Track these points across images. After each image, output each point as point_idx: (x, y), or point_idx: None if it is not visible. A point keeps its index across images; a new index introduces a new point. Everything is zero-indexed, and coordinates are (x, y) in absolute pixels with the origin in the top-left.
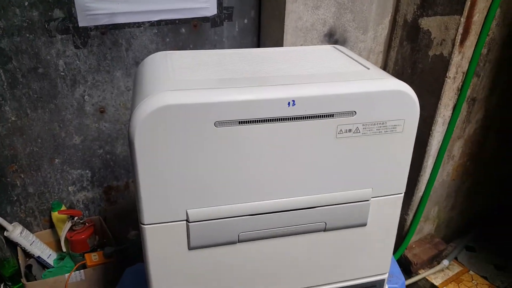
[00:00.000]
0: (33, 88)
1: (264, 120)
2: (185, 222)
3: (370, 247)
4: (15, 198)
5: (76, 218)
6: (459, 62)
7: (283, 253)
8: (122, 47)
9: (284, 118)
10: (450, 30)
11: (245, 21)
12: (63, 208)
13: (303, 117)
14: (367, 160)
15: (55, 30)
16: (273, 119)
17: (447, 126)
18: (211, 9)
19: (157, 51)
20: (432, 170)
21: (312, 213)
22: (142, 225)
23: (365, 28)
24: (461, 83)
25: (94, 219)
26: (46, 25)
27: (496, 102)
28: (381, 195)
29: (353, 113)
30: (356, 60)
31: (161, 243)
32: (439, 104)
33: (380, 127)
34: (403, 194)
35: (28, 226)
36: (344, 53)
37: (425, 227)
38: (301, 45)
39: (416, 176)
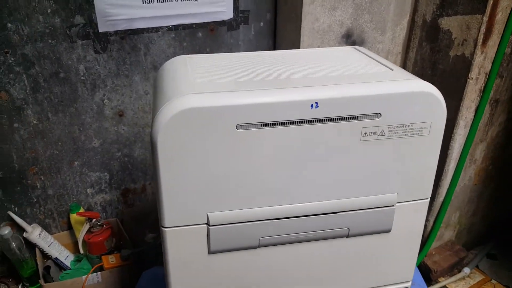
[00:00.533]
0: (55, 92)
1: (286, 122)
2: (205, 225)
3: (394, 254)
4: (35, 200)
5: (94, 220)
6: (482, 63)
7: (304, 259)
8: (141, 51)
9: (307, 121)
10: (472, 29)
11: (261, 24)
12: (81, 210)
13: (326, 119)
14: (392, 164)
15: (76, 35)
16: (295, 122)
17: (469, 128)
18: (227, 13)
19: (174, 55)
20: (453, 174)
21: (335, 218)
22: (163, 228)
23: (383, 29)
24: (483, 84)
25: (111, 221)
26: (67, 31)
27: None
28: (407, 200)
29: (378, 115)
30: (378, 61)
31: (181, 246)
32: (461, 106)
33: (406, 129)
34: (428, 200)
35: (46, 227)
36: (365, 54)
37: (446, 233)
38: (318, 46)
39: (437, 181)
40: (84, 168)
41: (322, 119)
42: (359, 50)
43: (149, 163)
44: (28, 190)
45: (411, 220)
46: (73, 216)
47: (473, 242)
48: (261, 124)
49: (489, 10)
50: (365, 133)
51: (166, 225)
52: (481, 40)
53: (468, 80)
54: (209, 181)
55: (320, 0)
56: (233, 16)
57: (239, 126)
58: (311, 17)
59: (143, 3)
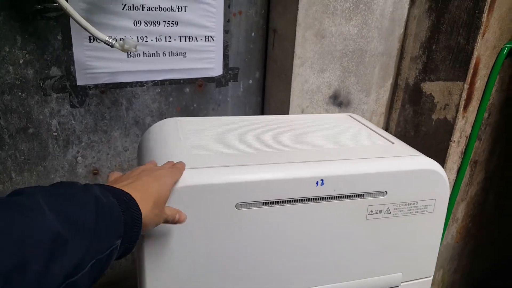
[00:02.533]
0: (21, 150)
1: (290, 200)
2: None
3: None
4: None
5: None
6: (463, 127)
7: None
8: (122, 106)
9: (311, 199)
10: (454, 95)
11: (250, 81)
12: None
13: (332, 197)
14: (397, 243)
15: (50, 88)
16: (300, 200)
17: (452, 189)
18: (217, 70)
19: (159, 111)
20: None
21: None
22: None
23: (368, 91)
24: (464, 147)
25: None
26: (41, 84)
27: (495, 164)
28: (411, 279)
29: (384, 193)
30: (376, 132)
31: None
32: (444, 168)
33: (411, 207)
34: (431, 278)
35: None
36: (362, 123)
37: None
38: (307, 106)
39: None
40: None
41: (327, 197)
42: (354, 118)
43: None
44: None
45: None
46: None
47: None
48: (263, 203)
49: (469, 77)
50: (371, 211)
51: None
52: (462, 106)
53: (451, 143)
54: (203, 267)
55: (310, 62)
56: (223, 73)
57: (239, 205)
58: (301, 78)
59: (128, 56)
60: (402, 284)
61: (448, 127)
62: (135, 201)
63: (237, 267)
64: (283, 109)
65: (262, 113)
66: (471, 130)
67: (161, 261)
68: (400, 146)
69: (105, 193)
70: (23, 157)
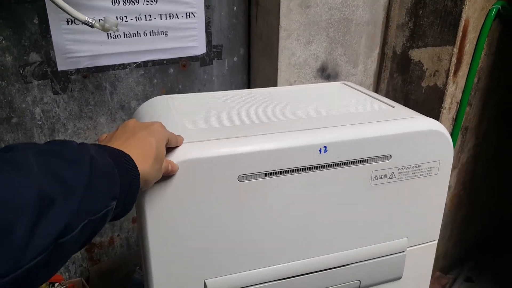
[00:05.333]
0: (6, 140)
1: (293, 170)
2: None
3: None
4: None
5: (56, 284)
6: (453, 92)
7: None
8: (106, 90)
9: (315, 167)
10: (443, 60)
11: (235, 59)
12: None
13: (336, 164)
14: (402, 207)
15: (31, 75)
16: (303, 169)
17: None
18: (200, 48)
19: (144, 94)
20: None
21: (345, 271)
22: None
23: (355, 62)
24: (455, 113)
25: (75, 281)
26: (20, 71)
27: (485, 130)
28: (417, 244)
29: (388, 157)
30: (374, 97)
31: None
32: None
33: (416, 170)
34: (437, 241)
35: None
36: (358, 90)
37: None
38: (295, 81)
39: None
40: None
41: (331, 164)
42: (349, 86)
43: None
44: None
45: (421, 264)
46: None
47: (449, 266)
48: (266, 174)
49: (458, 41)
50: (375, 176)
51: None
52: (452, 71)
53: (442, 110)
54: (207, 241)
55: (296, 34)
56: (206, 51)
57: (241, 177)
58: (287, 51)
59: (108, 38)
60: (408, 249)
61: (438, 94)
62: (133, 161)
63: (241, 239)
64: (271, 85)
65: None
66: (462, 96)
67: (164, 237)
68: (401, 109)
69: (101, 152)
70: None
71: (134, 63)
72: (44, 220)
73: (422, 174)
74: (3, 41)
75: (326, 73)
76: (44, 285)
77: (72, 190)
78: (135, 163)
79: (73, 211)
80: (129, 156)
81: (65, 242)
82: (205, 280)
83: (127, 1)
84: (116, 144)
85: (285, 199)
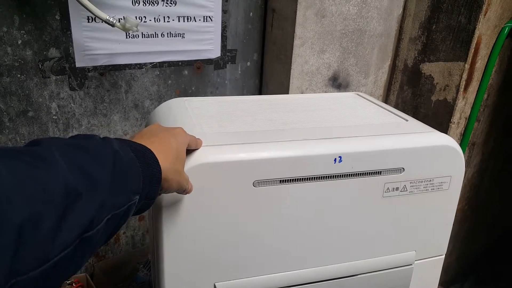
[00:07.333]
0: (21, 133)
1: (308, 178)
2: None
3: None
4: None
5: None
6: (463, 108)
7: None
8: (122, 89)
9: (329, 176)
10: (454, 76)
11: (248, 63)
12: None
13: (349, 174)
14: (412, 221)
15: (49, 70)
16: (318, 177)
17: None
18: (215, 52)
19: (158, 94)
20: None
21: (353, 282)
22: None
23: (367, 72)
24: (463, 128)
25: (80, 277)
26: (40, 65)
27: (492, 146)
28: (424, 257)
29: (401, 169)
30: (388, 110)
31: None
32: None
33: (427, 184)
34: (444, 256)
35: None
36: (371, 101)
37: None
38: (307, 89)
39: None
40: None
41: (345, 174)
42: (363, 97)
43: None
44: None
45: (427, 278)
46: None
47: (451, 281)
48: (280, 180)
49: (470, 57)
50: (388, 188)
51: None
52: (463, 86)
53: (451, 124)
54: (220, 245)
55: (310, 42)
56: (221, 54)
57: (256, 183)
58: (301, 59)
59: (126, 37)
60: (415, 262)
61: (448, 108)
62: (155, 156)
63: (254, 245)
64: (282, 92)
65: None
66: (471, 111)
67: (178, 238)
68: (415, 123)
69: (124, 147)
70: (23, 141)
71: (150, 63)
72: (71, 214)
73: (433, 189)
74: (25, 36)
75: (337, 82)
76: None
77: (98, 184)
78: (156, 158)
79: (99, 205)
80: (150, 150)
81: (91, 236)
82: (215, 283)
83: (147, 2)
84: (138, 141)
85: (298, 206)
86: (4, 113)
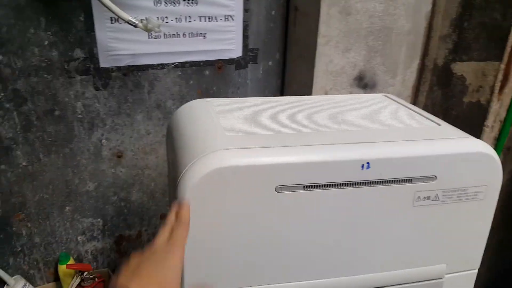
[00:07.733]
0: (48, 132)
1: (333, 184)
2: None
3: None
4: (19, 249)
5: (85, 273)
6: (497, 110)
7: None
8: (145, 89)
9: (356, 183)
10: (488, 76)
11: (270, 63)
12: (71, 261)
13: (378, 182)
14: (444, 232)
15: (74, 70)
16: (343, 184)
17: None
18: (236, 51)
19: (180, 94)
20: None
21: None
22: None
23: (394, 72)
24: (498, 132)
25: (102, 272)
26: (65, 66)
27: None
28: (456, 271)
29: (433, 177)
30: (419, 113)
31: None
32: None
33: (461, 194)
34: (477, 270)
35: (31, 279)
36: (401, 104)
37: None
38: (331, 89)
39: None
40: (76, 214)
41: (373, 182)
42: (391, 99)
43: (147, 207)
44: (12, 238)
45: None
46: (62, 268)
47: None
48: (304, 186)
49: (506, 57)
50: (418, 197)
51: None
52: (498, 88)
53: (484, 127)
54: (240, 252)
55: (334, 41)
56: (242, 54)
57: (279, 188)
58: (325, 58)
59: (149, 38)
60: (446, 276)
61: (481, 111)
62: None
63: (275, 252)
64: (305, 92)
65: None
66: (506, 114)
67: (197, 246)
68: (448, 128)
69: None
70: (50, 139)
71: (172, 63)
72: None
73: (467, 198)
74: (51, 37)
75: (363, 82)
76: (73, 271)
77: None
78: None
79: None
80: None
81: None
82: None
83: (169, 2)
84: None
85: (322, 213)
86: (32, 111)
